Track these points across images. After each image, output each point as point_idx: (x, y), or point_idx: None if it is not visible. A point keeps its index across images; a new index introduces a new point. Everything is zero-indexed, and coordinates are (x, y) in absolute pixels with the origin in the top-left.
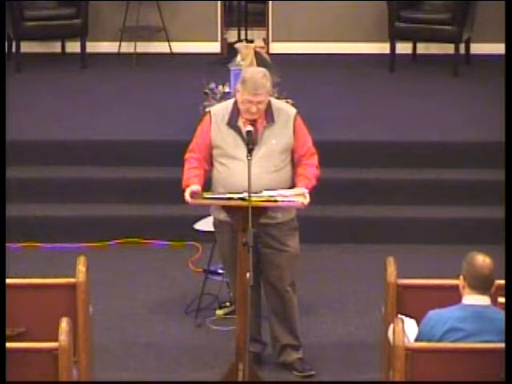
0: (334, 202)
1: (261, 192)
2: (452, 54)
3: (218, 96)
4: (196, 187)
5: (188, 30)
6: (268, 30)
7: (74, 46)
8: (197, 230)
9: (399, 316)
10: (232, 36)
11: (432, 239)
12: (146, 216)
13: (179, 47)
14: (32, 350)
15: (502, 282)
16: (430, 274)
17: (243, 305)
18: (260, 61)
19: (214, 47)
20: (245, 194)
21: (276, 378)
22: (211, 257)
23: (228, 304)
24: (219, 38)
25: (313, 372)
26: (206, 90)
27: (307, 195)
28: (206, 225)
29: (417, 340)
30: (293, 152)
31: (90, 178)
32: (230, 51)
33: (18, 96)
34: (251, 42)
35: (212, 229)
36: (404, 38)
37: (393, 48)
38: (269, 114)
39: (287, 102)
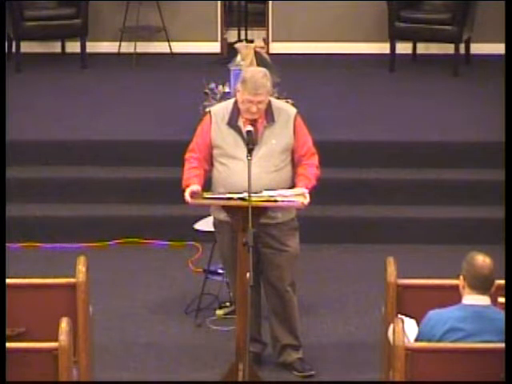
0: (334, 202)
1: (261, 192)
2: (452, 54)
3: (218, 96)
4: (196, 187)
5: (188, 30)
6: (268, 30)
7: (74, 46)
8: (197, 230)
9: (399, 316)
10: (232, 36)
11: (432, 239)
12: (146, 216)
13: (179, 47)
14: (32, 350)
15: (502, 282)
16: (429, 273)
17: (243, 305)
18: (260, 61)
19: (214, 47)
20: (245, 194)
21: (276, 378)
22: (211, 257)
23: (228, 304)
24: (219, 38)
25: (313, 372)
26: (206, 90)
27: (307, 195)
28: (206, 225)
29: (417, 340)
30: (293, 152)
31: (90, 178)
32: (229, 51)
33: (17, 96)
34: (251, 42)
35: (212, 229)
36: (404, 38)
37: (393, 48)
38: (269, 114)
39: (287, 102)
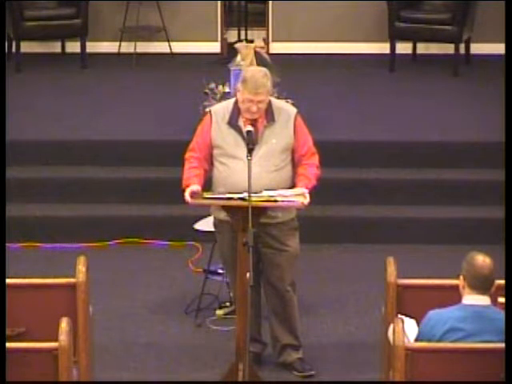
0: (334, 202)
1: (261, 191)
2: (452, 54)
3: (218, 96)
4: (196, 187)
5: (188, 29)
6: (268, 30)
7: (74, 46)
8: (197, 230)
9: (399, 316)
10: (232, 36)
11: (432, 239)
12: (146, 216)
13: (179, 47)
14: (32, 350)
15: (502, 282)
16: (429, 273)
17: (243, 305)
18: (260, 61)
19: (214, 47)
20: (245, 194)
21: (276, 378)
22: (211, 257)
23: (228, 304)
24: (219, 38)
25: (313, 372)
26: (206, 90)
27: (307, 195)
28: (206, 225)
29: (417, 340)
30: (293, 152)
31: (90, 178)
32: (230, 51)
33: (17, 96)
34: (251, 42)
35: (212, 229)
36: (404, 38)
37: (393, 48)
38: (269, 114)
39: (287, 102)
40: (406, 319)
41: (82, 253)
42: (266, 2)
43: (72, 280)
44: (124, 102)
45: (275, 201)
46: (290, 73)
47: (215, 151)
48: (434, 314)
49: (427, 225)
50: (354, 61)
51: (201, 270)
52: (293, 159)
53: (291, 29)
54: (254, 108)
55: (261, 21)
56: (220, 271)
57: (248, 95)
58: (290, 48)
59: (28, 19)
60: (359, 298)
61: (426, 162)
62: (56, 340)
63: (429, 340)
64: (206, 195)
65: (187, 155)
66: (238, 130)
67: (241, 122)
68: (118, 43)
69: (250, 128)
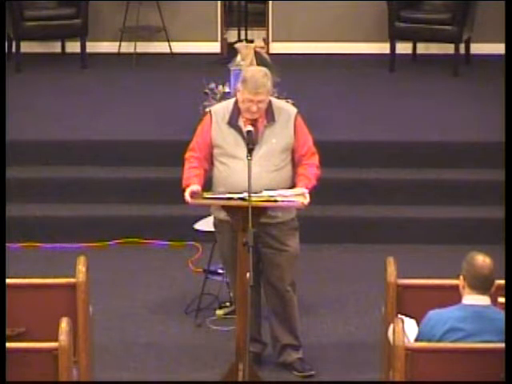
0: (334, 202)
1: (261, 191)
2: (452, 54)
3: (218, 96)
4: (196, 187)
5: (188, 30)
6: (268, 30)
7: (74, 46)
8: (197, 230)
9: (399, 316)
10: (232, 36)
11: (432, 239)
12: (146, 216)
13: (179, 47)
14: (32, 350)
15: (502, 282)
16: (429, 273)
17: (243, 305)
18: (260, 61)
19: (214, 47)
20: (245, 194)
21: (276, 378)
22: (211, 257)
23: (228, 304)
24: (219, 38)
25: (313, 372)
26: (206, 90)
27: (307, 195)
28: (206, 225)
29: (417, 340)
30: (293, 152)
31: (90, 178)
32: (230, 51)
33: (18, 96)
34: (251, 42)
35: (212, 229)
36: (404, 38)
37: (393, 48)
38: (269, 114)
39: (287, 102)
40: (406, 319)
41: (82, 253)
42: (266, 1)
43: (72, 280)
44: (124, 102)
45: (275, 201)
46: (289, 73)
47: (215, 151)
48: (433, 314)
49: (427, 225)
50: (353, 61)
51: (201, 270)
52: (293, 159)
53: (291, 29)
54: (254, 108)
55: (261, 21)
56: (220, 271)
57: (248, 95)
58: (290, 48)
59: (28, 19)
60: (359, 298)
61: (426, 162)
62: (56, 340)
63: (429, 340)
64: (206, 195)
65: (187, 155)
66: (238, 129)
67: (241, 122)
68: (118, 43)
69: (249, 128)
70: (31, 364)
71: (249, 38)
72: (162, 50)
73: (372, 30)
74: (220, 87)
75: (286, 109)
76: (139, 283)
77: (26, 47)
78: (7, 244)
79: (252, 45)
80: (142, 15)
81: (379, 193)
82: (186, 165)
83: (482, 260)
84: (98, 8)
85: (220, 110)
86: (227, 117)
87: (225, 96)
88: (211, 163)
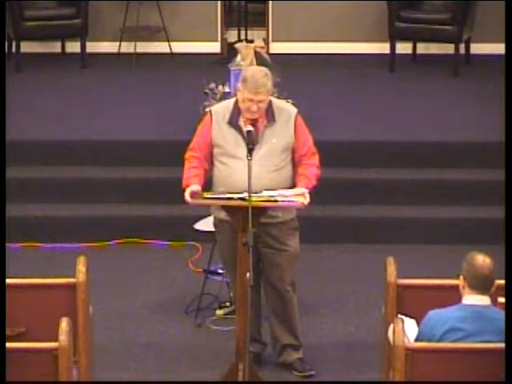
0: (334, 202)
1: (261, 191)
2: (452, 53)
3: (218, 96)
4: (196, 187)
5: (188, 29)
6: (268, 30)
7: (74, 46)
8: (197, 230)
9: (399, 316)
10: (232, 36)
11: (432, 239)
12: (146, 216)
13: (179, 47)
14: (32, 350)
15: (502, 282)
16: (430, 273)
17: (243, 305)
18: (260, 61)
19: (214, 47)
20: (245, 194)
21: (276, 378)
22: (211, 257)
23: (228, 304)
24: (219, 38)
25: (313, 372)
26: (206, 90)
27: (307, 195)
28: (206, 225)
29: (417, 340)
30: (293, 151)
31: (90, 178)
32: (230, 51)
33: (18, 96)
34: (251, 42)
35: (212, 229)
36: (404, 38)
37: (393, 48)
38: (270, 114)
39: (288, 102)
40: (406, 319)
41: (82, 253)
42: (266, 1)
43: (72, 280)
44: (124, 102)
45: (275, 201)
46: (289, 73)
47: (215, 150)
48: (433, 314)
49: (427, 225)
50: (354, 61)
51: (201, 270)
52: (293, 159)
53: (291, 29)
54: (254, 107)
55: (261, 21)
56: (220, 271)
57: (248, 94)
58: (290, 48)
59: (28, 19)
60: (359, 298)
61: (426, 161)
62: (56, 340)
63: (429, 340)
64: (206, 195)
65: (187, 155)
66: (239, 129)
67: (241, 122)
68: (118, 43)
69: (249, 128)
70: (31, 364)
71: (249, 38)
72: (162, 49)
73: (372, 30)
74: (220, 87)
75: (287, 109)
76: (139, 283)
77: (26, 47)
78: (7, 244)
79: (252, 45)
80: (141, 15)
81: (379, 193)
82: (186, 165)
83: (481, 260)
84: (98, 8)
85: (220, 109)
86: (227, 116)
87: (225, 96)
88: (211, 163)
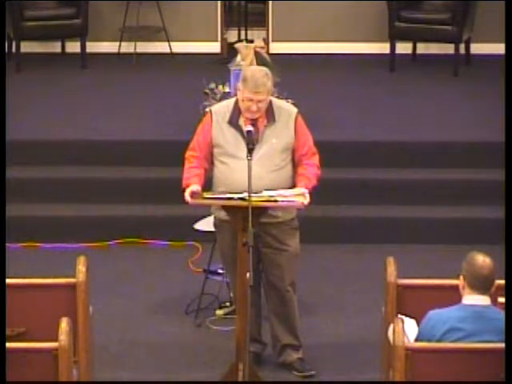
0: (334, 202)
1: (261, 191)
2: (452, 53)
3: (218, 96)
4: (196, 187)
5: (188, 30)
6: (268, 30)
7: (74, 46)
8: (197, 230)
9: (399, 316)
10: (232, 36)
11: (432, 239)
12: (146, 216)
13: (179, 47)
14: (32, 350)
15: (502, 282)
16: (430, 274)
17: (243, 305)
18: (260, 61)
19: (214, 47)
20: (245, 194)
21: (276, 378)
22: (211, 257)
23: (228, 304)
24: (219, 38)
25: (313, 372)
26: (206, 90)
27: (307, 195)
28: (206, 225)
29: (417, 340)
30: (294, 151)
31: (90, 178)
32: (230, 51)
33: (17, 96)
34: (251, 42)
35: (212, 229)
36: (404, 38)
37: (393, 48)
38: (270, 113)
39: (288, 102)
40: (406, 319)
41: (82, 253)
42: (266, 1)
43: (72, 280)
44: (124, 102)
45: (275, 201)
46: (289, 73)
47: (216, 150)
48: (433, 314)
49: (427, 225)
50: (354, 61)
51: (201, 270)
52: (293, 159)
53: (291, 29)
54: (254, 107)
55: (261, 21)
56: (220, 271)
57: (248, 94)
58: (290, 48)
59: (28, 19)
60: (359, 298)
61: (426, 162)
62: (56, 340)
63: (429, 340)
64: (206, 195)
65: (187, 154)
66: (239, 129)
67: (241, 122)
68: (118, 43)
69: (249, 128)
70: (31, 364)
71: (249, 38)
72: (162, 50)
73: (372, 30)
74: (220, 87)
75: (287, 109)
76: (139, 283)
77: (26, 47)
78: (7, 244)
79: (252, 45)
80: (141, 15)
81: (379, 193)
82: (186, 164)
83: (481, 260)
84: (98, 8)
85: (220, 109)
86: (228, 116)
87: (225, 96)
88: (211, 163)
